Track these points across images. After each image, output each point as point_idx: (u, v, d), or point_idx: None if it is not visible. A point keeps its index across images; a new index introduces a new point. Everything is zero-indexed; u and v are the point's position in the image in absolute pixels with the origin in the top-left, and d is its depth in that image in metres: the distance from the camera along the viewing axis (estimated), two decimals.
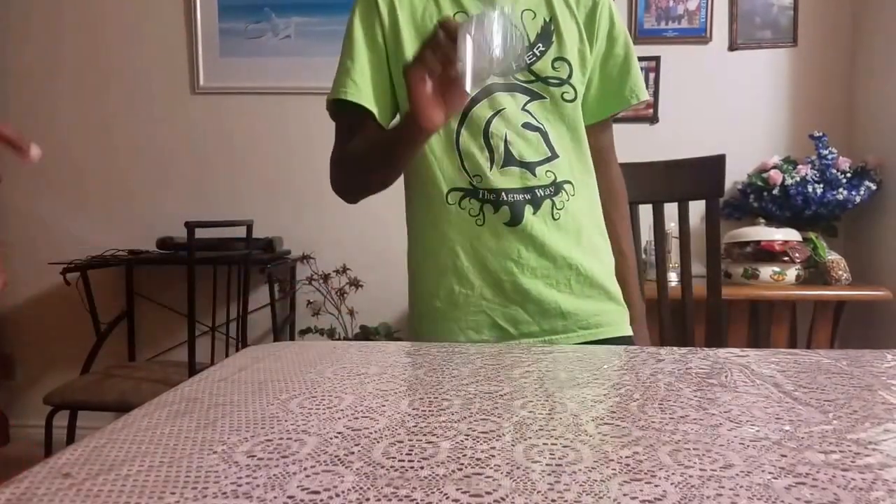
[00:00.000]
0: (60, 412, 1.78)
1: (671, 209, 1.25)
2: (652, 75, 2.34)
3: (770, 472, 0.35)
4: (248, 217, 2.05)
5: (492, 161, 0.89)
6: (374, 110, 0.91)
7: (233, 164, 2.44)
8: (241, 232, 1.93)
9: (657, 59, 2.33)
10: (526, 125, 0.90)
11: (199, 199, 2.44)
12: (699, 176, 1.22)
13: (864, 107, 2.24)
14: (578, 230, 0.93)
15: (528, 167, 0.89)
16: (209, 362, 1.90)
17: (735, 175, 2.23)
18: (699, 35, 2.33)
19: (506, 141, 0.88)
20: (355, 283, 2.21)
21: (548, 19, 0.92)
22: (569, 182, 0.92)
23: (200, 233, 1.73)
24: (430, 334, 0.95)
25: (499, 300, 0.91)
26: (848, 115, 2.30)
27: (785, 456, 0.38)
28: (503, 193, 0.89)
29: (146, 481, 0.34)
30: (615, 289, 0.98)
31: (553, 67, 0.91)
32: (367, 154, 0.89)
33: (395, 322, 2.33)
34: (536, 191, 0.89)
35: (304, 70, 2.38)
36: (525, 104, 0.90)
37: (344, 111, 0.93)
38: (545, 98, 0.91)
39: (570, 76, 0.92)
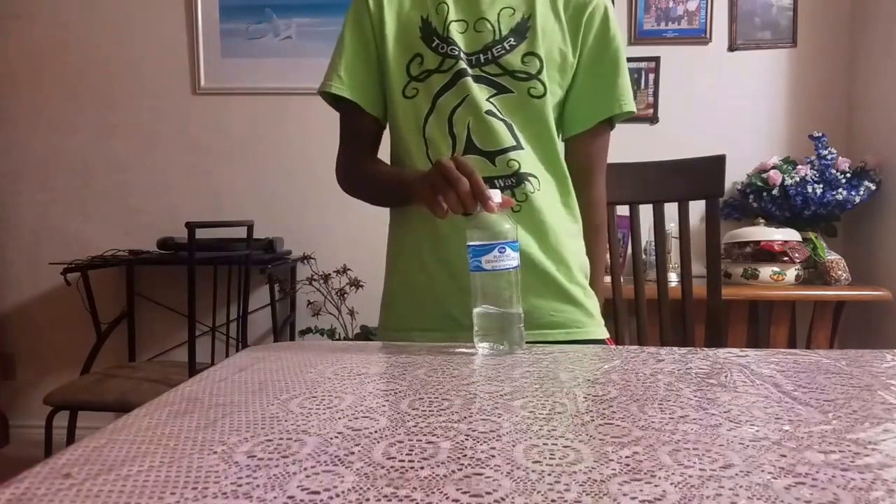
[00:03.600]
0: (60, 412, 1.78)
1: (671, 209, 1.25)
2: (652, 76, 2.34)
3: (770, 472, 0.35)
4: (248, 217, 2.05)
5: (453, 149, 0.90)
6: (361, 102, 0.96)
7: (233, 164, 2.44)
8: (241, 232, 1.93)
9: (657, 59, 2.33)
10: (490, 112, 0.90)
11: (199, 200, 2.44)
12: (699, 176, 1.22)
13: (864, 107, 2.24)
14: (540, 225, 0.91)
15: (489, 156, 0.90)
16: (209, 362, 1.90)
17: (735, 175, 2.23)
18: (699, 36, 2.33)
19: (468, 128, 0.89)
20: (355, 284, 2.21)
21: (526, 16, 0.92)
22: (533, 175, 0.91)
23: (201, 233, 1.73)
24: (386, 319, 1.03)
25: (454, 289, 0.91)
26: (847, 116, 2.31)
27: (784, 456, 0.38)
28: None
29: (146, 481, 0.34)
30: (577, 291, 0.94)
31: (522, 62, 0.91)
32: (365, 186, 1.00)
33: None
34: (495, 181, 0.89)
35: (305, 71, 2.38)
36: (490, 97, 0.90)
37: (339, 103, 0.99)
38: (512, 92, 0.91)
39: (539, 72, 0.91)
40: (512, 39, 0.91)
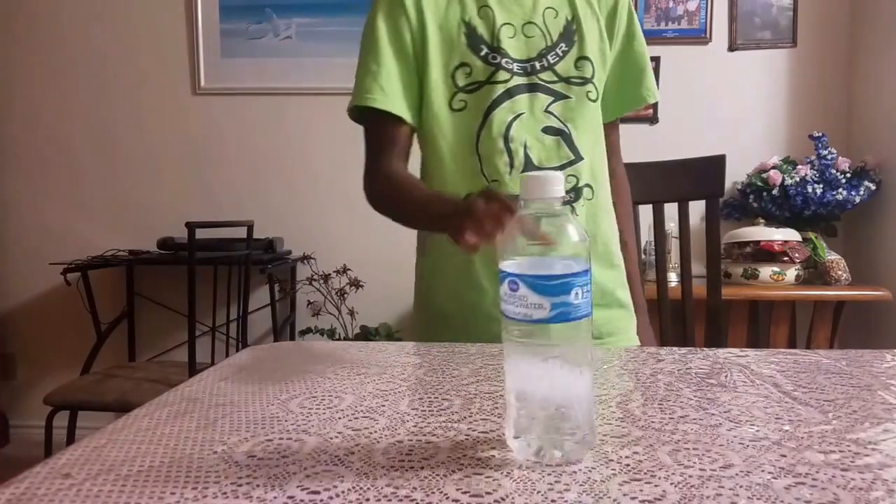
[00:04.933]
0: (60, 412, 1.78)
1: (671, 209, 1.25)
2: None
3: (770, 472, 0.35)
4: (248, 217, 2.05)
5: (511, 166, 0.87)
6: (406, 116, 0.88)
7: (233, 164, 2.44)
8: (241, 232, 1.93)
9: (657, 59, 2.33)
10: (546, 129, 0.88)
11: (199, 200, 2.44)
12: (699, 176, 1.22)
13: (864, 107, 2.24)
14: (594, 236, 0.92)
15: None
16: (209, 362, 1.90)
17: (735, 175, 2.23)
18: (699, 35, 2.33)
19: (525, 146, 0.87)
20: (355, 284, 2.21)
21: (570, 18, 0.91)
22: (588, 185, 0.91)
23: (201, 233, 1.73)
24: (439, 341, 0.89)
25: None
26: (847, 116, 2.30)
27: (785, 456, 0.38)
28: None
29: (146, 481, 0.34)
30: (625, 295, 0.97)
31: (576, 67, 0.90)
32: (394, 204, 0.88)
33: (395, 322, 2.33)
34: None
35: (305, 71, 2.38)
36: (548, 105, 0.88)
37: (368, 114, 0.90)
38: (570, 98, 0.89)
39: (592, 75, 0.91)
40: (563, 45, 0.90)
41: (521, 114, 0.87)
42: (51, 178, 2.46)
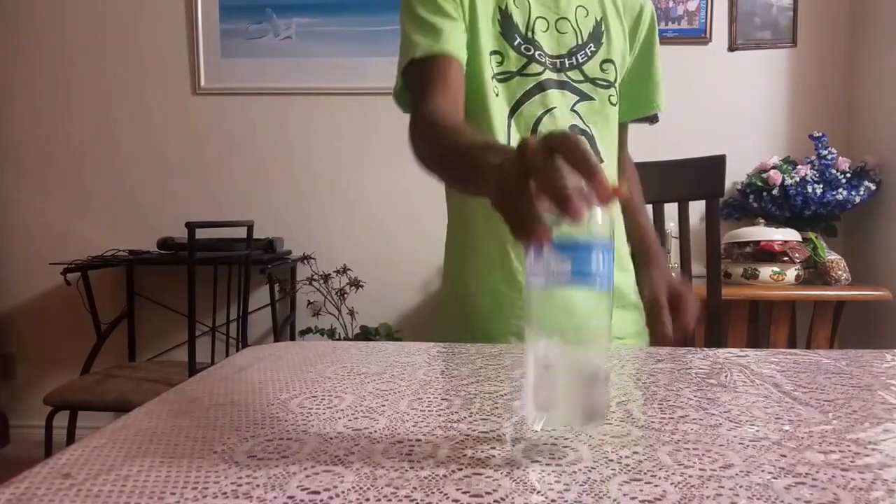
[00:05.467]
0: (60, 412, 1.78)
1: (671, 209, 1.25)
2: None
3: (770, 472, 0.35)
4: (248, 217, 2.05)
5: None
6: (454, 51, 0.79)
7: (233, 164, 2.44)
8: (241, 232, 1.93)
9: None
10: (573, 128, 0.87)
11: (199, 200, 2.44)
12: (699, 176, 1.22)
13: (864, 107, 2.24)
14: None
15: None
16: (209, 362, 1.90)
17: (735, 175, 2.23)
18: (699, 35, 2.33)
19: None
20: (355, 284, 2.21)
21: (599, 18, 0.90)
22: None
23: (201, 233, 1.73)
24: (468, 334, 0.88)
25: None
26: (847, 115, 2.30)
27: (785, 456, 0.38)
28: None
29: (146, 481, 0.34)
30: (635, 296, 0.97)
31: (601, 69, 0.89)
32: (431, 150, 0.71)
33: (395, 322, 2.33)
34: None
35: (305, 71, 2.38)
36: (574, 104, 0.88)
37: (413, 71, 0.81)
38: (594, 99, 0.89)
39: (615, 79, 0.91)
40: (592, 45, 0.89)
41: (553, 108, 0.86)
42: (51, 178, 2.46)
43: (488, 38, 0.84)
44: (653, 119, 2.34)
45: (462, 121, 0.76)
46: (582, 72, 0.88)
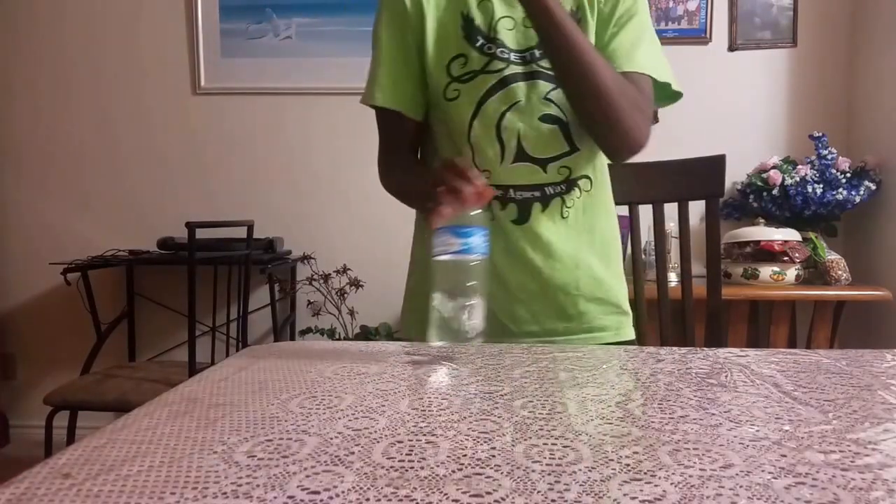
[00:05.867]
0: (60, 412, 1.78)
1: (671, 209, 1.25)
2: None
3: (770, 472, 0.35)
4: (248, 217, 2.05)
5: (502, 156, 0.87)
6: (406, 110, 0.91)
7: (233, 164, 2.44)
8: (241, 232, 1.93)
9: None
10: (544, 118, 0.87)
11: (199, 200, 2.44)
12: (699, 176, 1.22)
13: (864, 107, 2.24)
14: (591, 229, 0.91)
15: (540, 163, 0.87)
16: (209, 362, 1.90)
17: (735, 175, 2.23)
18: (699, 35, 2.33)
19: (518, 136, 0.86)
20: (356, 284, 2.21)
21: (574, 9, 0.90)
22: (586, 177, 0.90)
23: (201, 233, 1.73)
24: (423, 324, 0.92)
25: (501, 295, 0.90)
26: (847, 115, 2.30)
27: (785, 456, 0.38)
28: (511, 190, 0.87)
29: (146, 481, 0.34)
30: (621, 295, 0.96)
31: None
32: (400, 190, 0.95)
33: (395, 322, 2.33)
34: (546, 188, 0.88)
35: (305, 71, 2.38)
36: (548, 92, 0.87)
37: (376, 109, 0.94)
38: None
39: None
40: None
41: (517, 102, 0.86)
42: (51, 178, 2.46)
43: (452, 44, 0.88)
44: (653, 119, 2.34)
45: (409, 169, 0.94)
46: None
